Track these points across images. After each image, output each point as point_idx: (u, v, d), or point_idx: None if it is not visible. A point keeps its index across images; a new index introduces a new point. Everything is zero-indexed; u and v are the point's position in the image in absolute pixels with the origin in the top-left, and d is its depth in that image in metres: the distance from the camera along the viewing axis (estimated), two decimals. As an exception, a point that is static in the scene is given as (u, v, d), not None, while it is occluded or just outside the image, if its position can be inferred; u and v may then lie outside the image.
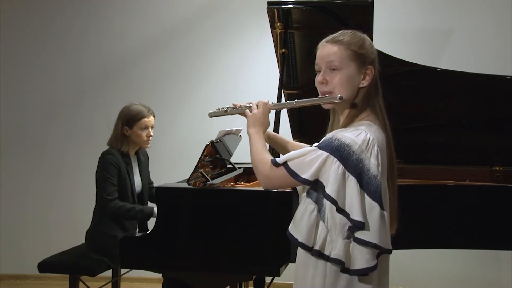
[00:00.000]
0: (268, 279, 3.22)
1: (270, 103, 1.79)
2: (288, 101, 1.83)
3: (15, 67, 4.54)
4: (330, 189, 1.52)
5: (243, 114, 1.82)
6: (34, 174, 4.52)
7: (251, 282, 3.20)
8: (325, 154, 1.53)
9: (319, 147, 1.56)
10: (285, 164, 1.58)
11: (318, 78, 1.65)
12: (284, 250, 2.25)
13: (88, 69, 4.49)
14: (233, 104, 1.85)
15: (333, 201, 1.52)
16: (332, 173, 1.52)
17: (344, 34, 1.65)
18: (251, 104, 1.79)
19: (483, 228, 2.63)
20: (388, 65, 2.81)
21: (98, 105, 4.43)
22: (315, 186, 1.57)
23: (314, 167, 1.54)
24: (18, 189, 4.53)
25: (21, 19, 4.53)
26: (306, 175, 1.55)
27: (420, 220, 2.57)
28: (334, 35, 1.66)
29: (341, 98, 1.60)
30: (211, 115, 1.89)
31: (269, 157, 1.64)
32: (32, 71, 4.53)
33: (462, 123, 3.06)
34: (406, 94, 2.94)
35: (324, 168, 1.53)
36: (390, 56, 2.83)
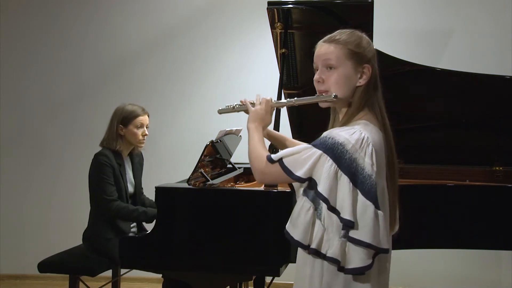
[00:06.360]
0: (268, 279, 3.21)
1: (272, 100, 1.79)
2: (288, 99, 1.86)
3: (15, 67, 4.54)
4: (322, 188, 1.51)
5: (246, 110, 1.82)
6: (34, 174, 4.52)
7: (251, 282, 3.20)
8: (319, 152, 1.53)
9: (314, 145, 1.56)
10: (280, 161, 1.58)
11: (315, 76, 1.66)
12: (284, 250, 2.25)
13: (88, 69, 4.49)
14: (240, 101, 1.85)
15: (324, 200, 1.51)
16: (325, 172, 1.51)
17: (342, 33, 1.65)
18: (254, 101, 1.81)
19: (483, 228, 2.63)
20: (388, 65, 2.82)
21: (98, 105, 4.42)
22: (310, 184, 1.57)
23: (307, 165, 1.53)
24: (18, 189, 4.53)
25: (21, 19, 4.53)
26: (300, 172, 1.54)
27: (420, 220, 2.56)
28: (332, 34, 1.66)
29: (335, 96, 1.61)
30: (221, 111, 1.90)
31: (265, 153, 1.64)
32: (32, 71, 4.53)
33: (462, 123, 3.06)
34: (406, 94, 2.94)
35: (317, 166, 1.53)
36: (390, 56, 2.83)
